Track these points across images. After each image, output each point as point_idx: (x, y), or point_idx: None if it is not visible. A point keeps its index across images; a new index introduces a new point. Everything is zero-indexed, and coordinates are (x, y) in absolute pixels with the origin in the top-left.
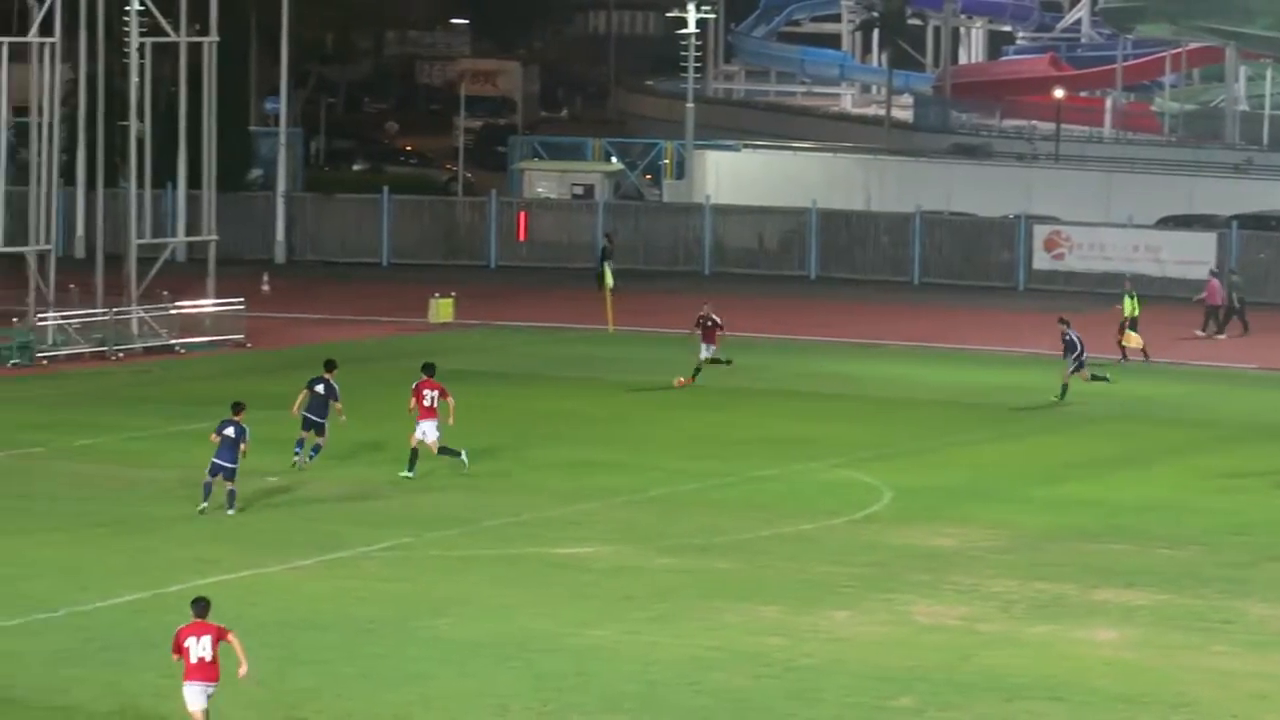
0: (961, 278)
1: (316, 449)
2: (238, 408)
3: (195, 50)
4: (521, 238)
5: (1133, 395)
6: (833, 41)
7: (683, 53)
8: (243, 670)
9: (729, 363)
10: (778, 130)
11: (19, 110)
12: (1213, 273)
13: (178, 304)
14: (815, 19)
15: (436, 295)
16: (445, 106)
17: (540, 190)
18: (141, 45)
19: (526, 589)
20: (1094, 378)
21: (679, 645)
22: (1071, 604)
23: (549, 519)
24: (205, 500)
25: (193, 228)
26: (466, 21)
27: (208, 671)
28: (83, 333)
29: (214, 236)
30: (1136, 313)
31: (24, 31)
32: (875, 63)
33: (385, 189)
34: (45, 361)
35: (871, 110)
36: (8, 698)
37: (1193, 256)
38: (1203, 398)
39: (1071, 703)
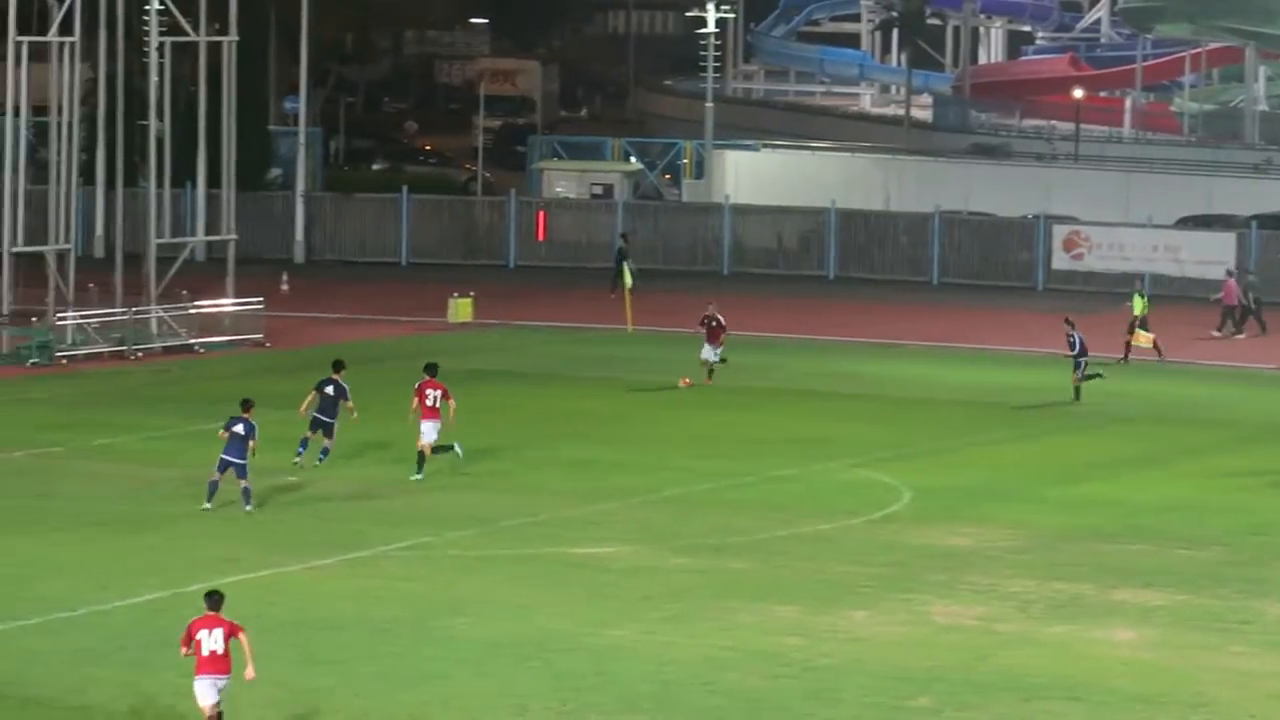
0: (980, 278)
1: (325, 451)
2: (247, 405)
3: (215, 50)
4: (540, 237)
5: (1150, 396)
6: (852, 41)
7: (702, 52)
8: (249, 673)
9: (723, 360)
10: (797, 130)
11: (39, 110)
12: (1229, 273)
13: (197, 303)
14: (834, 19)
15: (455, 295)
16: (464, 106)
17: (559, 190)
18: (161, 44)
19: (544, 589)
20: (1086, 376)
21: (697, 645)
22: (1089, 604)
23: (567, 519)
24: (209, 500)
25: (212, 227)
26: (486, 21)
27: (219, 664)
28: (102, 332)
29: (233, 236)
30: (1146, 312)
31: (44, 31)
32: (894, 62)
33: (404, 188)
34: (64, 361)
35: (891, 110)
36: (27, 696)
37: (1212, 256)
38: (1220, 398)
39: (1089, 703)
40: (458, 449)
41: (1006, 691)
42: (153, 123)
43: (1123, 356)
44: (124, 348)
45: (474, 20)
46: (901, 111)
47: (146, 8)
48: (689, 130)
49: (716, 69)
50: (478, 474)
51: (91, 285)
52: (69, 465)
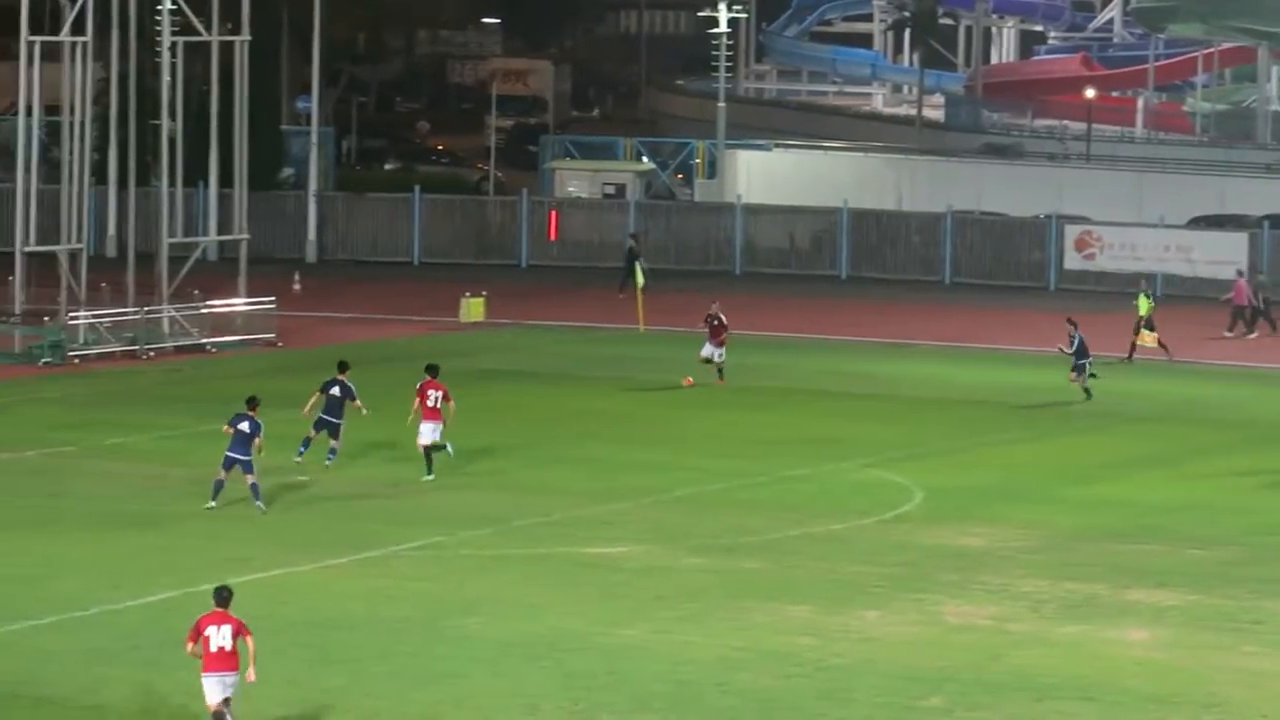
0: (992, 278)
1: (333, 452)
2: (252, 403)
3: (227, 49)
4: (553, 237)
5: (1162, 396)
6: (864, 41)
7: (714, 52)
8: (250, 676)
9: (708, 361)
10: (809, 130)
11: (51, 109)
12: (1240, 273)
13: (209, 303)
14: (847, 18)
15: (467, 294)
16: (477, 106)
17: (571, 190)
18: (173, 44)
19: (557, 588)
20: (1091, 375)
21: (709, 645)
22: (1102, 604)
23: (579, 518)
24: (214, 499)
25: (224, 227)
26: (498, 21)
27: (227, 661)
28: (114, 331)
29: (245, 235)
30: (1151, 312)
31: (56, 30)
32: (907, 62)
33: (417, 188)
34: (77, 360)
35: (903, 110)
36: (40, 696)
37: (1224, 257)
38: (1232, 398)
39: (1102, 703)
40: (449, 449)
41: (1019, 691)
42: (165, 122)
43: (1127, 356)
44: (136, 347)
45: (486, 20)
46: (914, 111)
47: (159, 7)
48: (701, 130)
49: (729, 69)
50: (490, 474)
51: (104, 285)
52: (81, 464)
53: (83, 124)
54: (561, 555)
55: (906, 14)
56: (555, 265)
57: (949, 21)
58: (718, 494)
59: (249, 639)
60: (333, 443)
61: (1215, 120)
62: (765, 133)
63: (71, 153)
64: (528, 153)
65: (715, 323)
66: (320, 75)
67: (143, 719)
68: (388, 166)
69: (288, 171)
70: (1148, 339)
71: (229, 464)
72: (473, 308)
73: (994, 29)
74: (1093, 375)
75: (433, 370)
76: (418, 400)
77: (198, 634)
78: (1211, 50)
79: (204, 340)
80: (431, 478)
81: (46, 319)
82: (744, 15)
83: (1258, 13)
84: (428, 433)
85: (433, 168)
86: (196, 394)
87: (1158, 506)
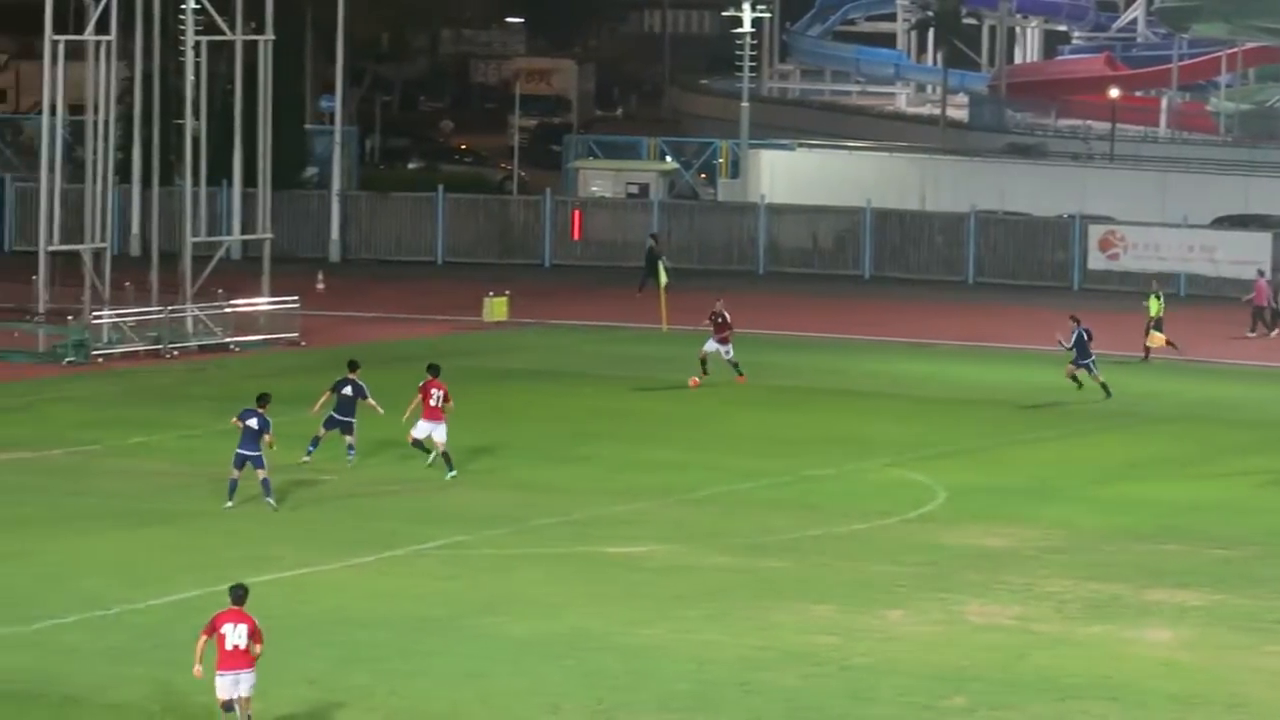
0: (1016, 277)
1: (351, 448)
2: (263, 399)
3: (251, 48)
4: (576, 236)
5: (1184, 396)
6: (888, 41)
7: (738, 52)
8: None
9: (703, 362)
10: (832, 130)
11: (75, 108)
12: (1260, 273)
13: (232, 302)
14: (870, 18)
15: (491, 294)
16: (500, 105)
17: (595, 189)
18: (197, 43)
19: (579, 588)
20: (1072, 377)
21: (732, 644)
22: (1125, 604)
23: (601, 517)
24: (230, 499)
25: (248, 226)
26: (522, 20)
27: (242, 660)
28: (138, 330)
29: (269, 235)
30: (1161, 313)
31: (80, 30)
32: (930, 62)
33: (440, 187)
34: (100, 359)
35: (926, 110)
36: (62, 694)
37: (1248, 256)
38: (1255, 398)
39: (1125, 703)
40: (431, 457)
41: (1042, 691)
42: (189, 121)
43: (1144, 356)
44: (160, 346)
45: (510, 19)
46: (937, 111)
47: (183, 7)
48: (724, 130)
49: (752, 68)
50: (512, 473)
51: (127, 284)
52: (105, 463)
53: (107, 123)
54: (583, 554)
55: (930, 14)
56: (579, 265)
57: (972, 21)
58: (740, 493)
59: (258, 646)
60: (348, 439)
61: (1239, 120)
62: (789, 132)
63: (96, 152)
64: (551, 152)
65: (720, 320)
66: (344, 74)
67: (164, 718)
68: (411, 166)
69: (311, 171)
70: (1156, 340)
71: (240, 462)
72: (496, 307)
73: (1018, 29)
74: (1076, 381)
75: (434, 370)
76: (419, 398)
77: (213, 629)
78: (1235, 50)
79: (227, 339)
80: (454, 474)
81: (71, 318)
82: (768, 15)
83: None
84: (424, 428)
85: (456, 167)
86: (220, 393)
87: (1180, 506)
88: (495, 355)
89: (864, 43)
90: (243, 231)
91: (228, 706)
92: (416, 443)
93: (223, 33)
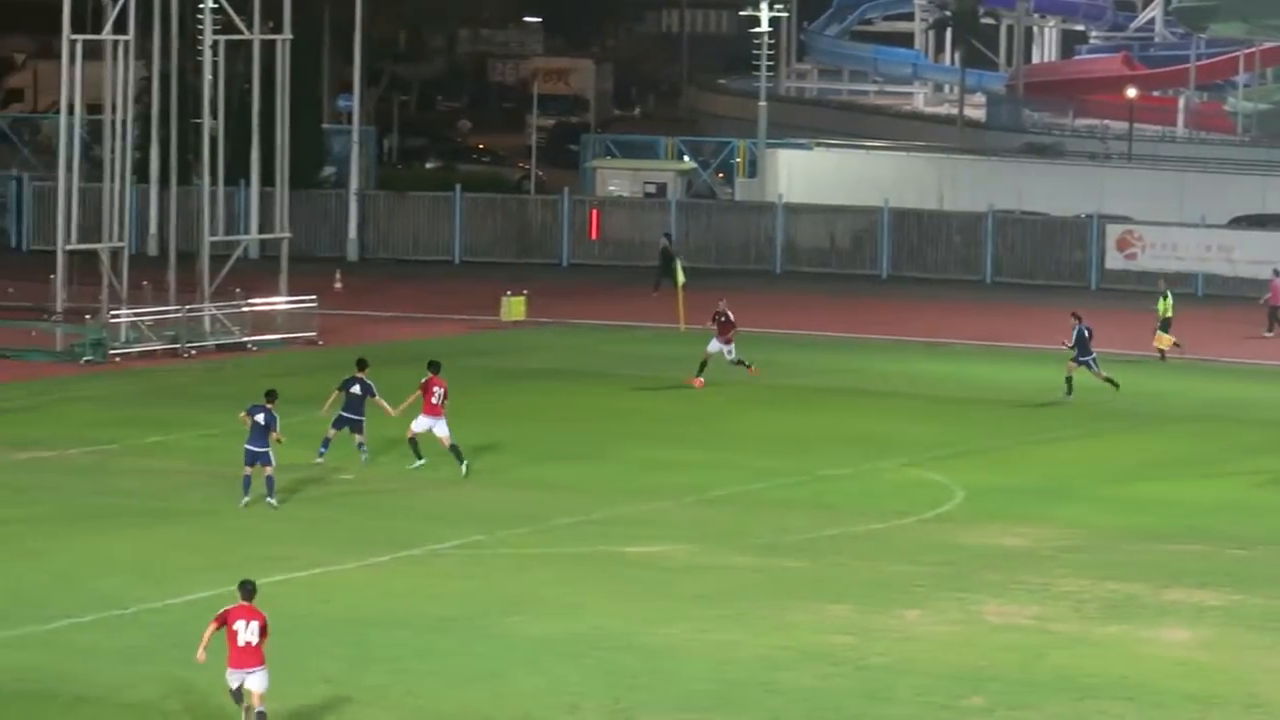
0: (1033, 277)
1: (362, 447)
2: (271, 395)
3: (269, 48)
4: (594, 236)
5: (1201, 395)
6: (905, 40)
7: (755, 51)
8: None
9: (703, 364)
10: (850, 129)
11: (93, 108)
12: (1276, 273)
13: (250, 301)
14: (888, 18)
15: (508, 293)
16: (518, 105)
17: (612, 188)
18: (215, 43)
19: (597, 587)
20: (1068, 378)
21: (750, 644)
22: (1143, 604)
23: (620, 517)
24: (246, 494)
25: (265, 225)
26: (539, 20)
27: (253, 656)
28: (155, 330)
29: (286, 234)
30: (1170, 314)
31: (98, 29)
32: (948, 62)
33: (458, 187)
34: (118, 358)
35: (944, 109)
36: (80, 694)
37: (1265, 256)
38: (1274, 398)
39: (1143, 703)
40: (417, 465)
41: (1060, 691)
42: (206, 121)
43: (1160, 356)
44: (177, 345)
45: (527, 19)
46: (955, 111)
47: (201, 6)
48: (742, 129)
49: (770, 68)
50: (529, 472)
51: (145, 283)
52: (123, 462)
53: (124, 122)
54: (602, 554)
55: (948, 13)
56: (596, 264)
57: (990, 21)
58: (758, 493)
59: (264, 644)
60: (358, 438)
61: (1257, 120)
62: (806, 132)
63: (113, 151)
64: (569, 152)
65: (723, 319)
66: (361, 74)
67: (181, 718)
68: (429, 165)
69: (329, 170)
70: (1163, 341)
71: (251, 459)
72: (514, 306)
73: (1035, 28)
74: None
75: (435, 366)
76: (420, 393)
77: (223, 623)
78: (1253, 50)
79: (245, 339)
80: (422, 462)
81: (88, 317)
82: (785, 14)
83: None
84: (425, 422)
85: (474, 166)
86: (238, 392)
87: (1198, 506)
88: (513, 355)
89: (881, 42)
90: (260, 231)
91: (238, 696)
92: (413, 440)
93: (240, 32)
